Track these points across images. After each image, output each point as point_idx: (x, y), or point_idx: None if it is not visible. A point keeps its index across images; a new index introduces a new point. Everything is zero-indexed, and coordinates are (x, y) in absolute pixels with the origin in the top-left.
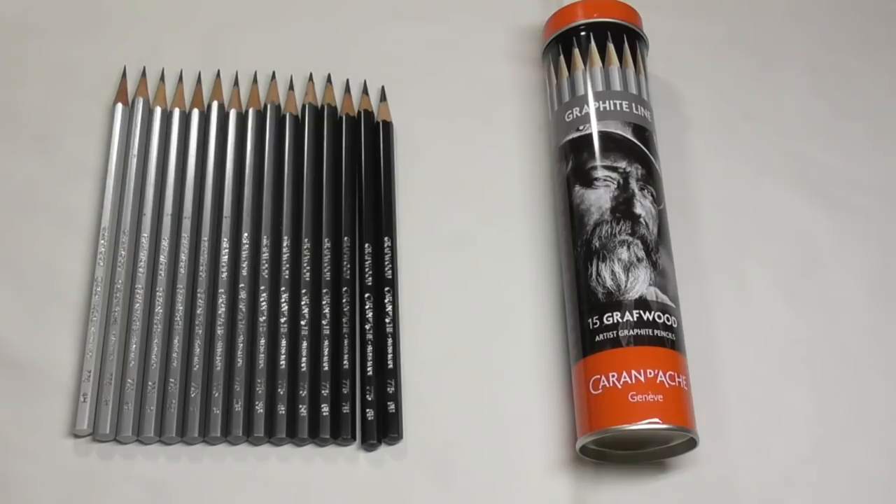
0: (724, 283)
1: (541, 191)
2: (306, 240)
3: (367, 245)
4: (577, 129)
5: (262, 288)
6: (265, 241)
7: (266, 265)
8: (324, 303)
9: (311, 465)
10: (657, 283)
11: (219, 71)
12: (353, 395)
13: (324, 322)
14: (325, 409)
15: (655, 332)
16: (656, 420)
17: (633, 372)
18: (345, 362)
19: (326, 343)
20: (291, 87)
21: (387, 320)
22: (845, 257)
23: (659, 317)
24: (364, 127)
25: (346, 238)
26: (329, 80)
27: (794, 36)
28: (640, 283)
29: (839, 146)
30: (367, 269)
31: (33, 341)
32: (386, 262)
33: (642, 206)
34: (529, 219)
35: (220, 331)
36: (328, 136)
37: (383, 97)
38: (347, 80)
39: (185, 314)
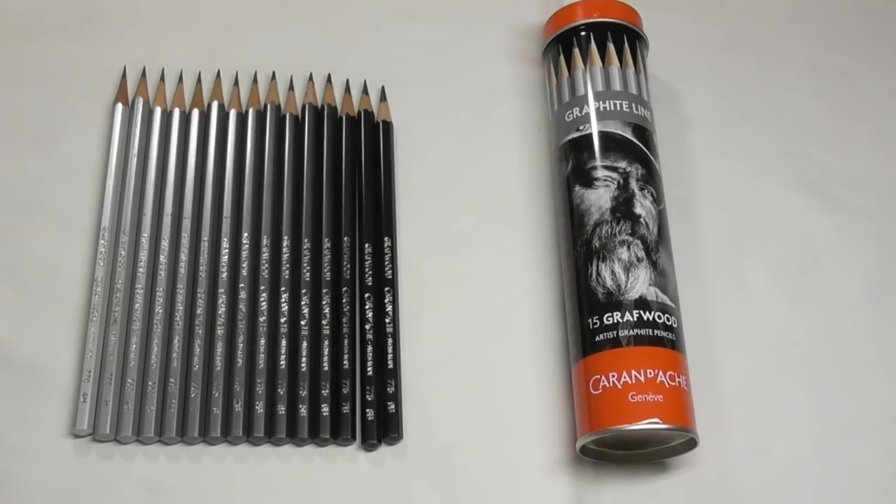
0: (724, 283)
1: (541, 191)
2: (306, 240)
3: (367, 245)
4: (578, 129)
5: (262, 288)
6: (265, 241)
7: (266, 265)
8: (324, 303)
9: (311, 465)
10: (657, 283)
11: (219, 71)
12: (353, 395)
13: (324, 322)
14: (325, 409)
15: (655, 332)
16: (656, 420)
17: (633, 372)
18: (345, 362)
19: (326, 343)
20: (291, 87)
21: (387, 320)
22: (845, 257)
23: (659, 317)
24: (364, 127)
25: (346, 238)
26: (329, 80)
27: (794, 36)
28: (640, 283)
29: (839, 146)
30: (367, 269)
31: (33, 341)
32: (386, 262)
33: (642, 206)
34: (529, 219)
35: (220, 331)
36: (328, 136)
37: (383, 97)
38: (347, 80)
39: (185, 314)
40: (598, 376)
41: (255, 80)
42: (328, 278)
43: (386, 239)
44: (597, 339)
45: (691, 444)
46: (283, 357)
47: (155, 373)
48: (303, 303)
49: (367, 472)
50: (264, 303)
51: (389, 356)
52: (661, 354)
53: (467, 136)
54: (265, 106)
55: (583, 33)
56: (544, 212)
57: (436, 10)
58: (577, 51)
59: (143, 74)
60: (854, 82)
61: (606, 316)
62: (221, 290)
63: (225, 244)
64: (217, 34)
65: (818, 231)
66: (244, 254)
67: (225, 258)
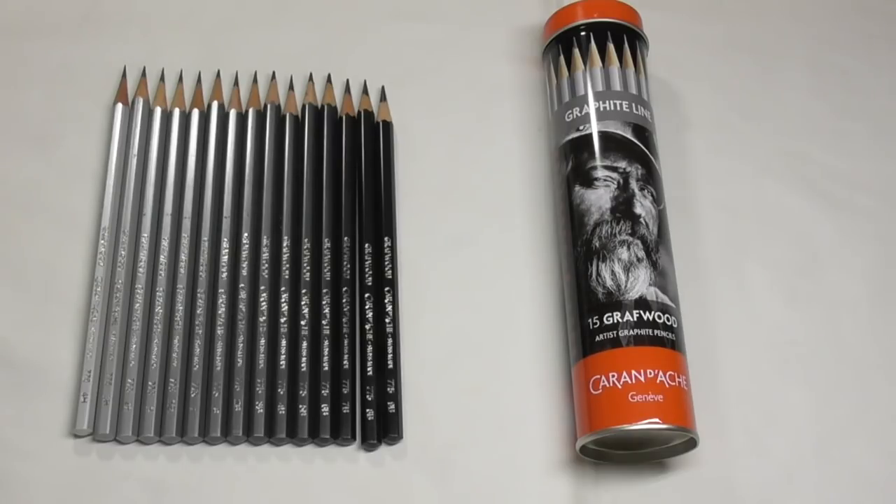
0: (724, 283)
1: (541, 191)
2: (306, 240)
3: (367, 245)
4: (578, 129)
5: (262, 288)
6: (265, 241)
7: (266, 265)
8: (324, 303)
9: (311, 465)
10: (657, 283)
11: (219, 71)
12: (353, 395)
13: (324, 322)
14: (325, 409)
15: (655, 332)
16: (656, 420)
17: (633, 372)
18: (345, 362)
19: (326, 343)
20: (291, 87)
21: (387, 320)
22: (845, 257)
23: (659, 317)
24: (364, 127)
25: (346, 238)
26: (329, 80)
27: (794, 36)
28: (640, 283)
29: (839, 146)
30: (367, 269)
31: (33, 341)
32: (386, 262)
33: (642, 206)
34: (529, 219)
35: (220, 331)
36: (328, 136)
37: (383, 97)
38: (347, 80)
39: (185, 314)
40: (598, 376)
41: (255, 80)
42: (328, 278)
43: (386, 239)
44: (597, 339)
45: (691, 444)
46: (283, 357)
47: (155, 373)
48: (303, 303)
49: (367, 472)
50: (264, 303)
51: (389, 356)
52: (661, 354)
53: (467, 136)
54: (265, 106)
55: (583, 33)
56: (544, 212)
57: (435, 10)
58: (577, 51)
59: (143, 74)
60: (854, 82)
61: (606, 316)
62: (221, 290)
63: (225, 244)
64: (217, 34)
65: (818, 231)
66: (244, 254)
67: (225, 258)
